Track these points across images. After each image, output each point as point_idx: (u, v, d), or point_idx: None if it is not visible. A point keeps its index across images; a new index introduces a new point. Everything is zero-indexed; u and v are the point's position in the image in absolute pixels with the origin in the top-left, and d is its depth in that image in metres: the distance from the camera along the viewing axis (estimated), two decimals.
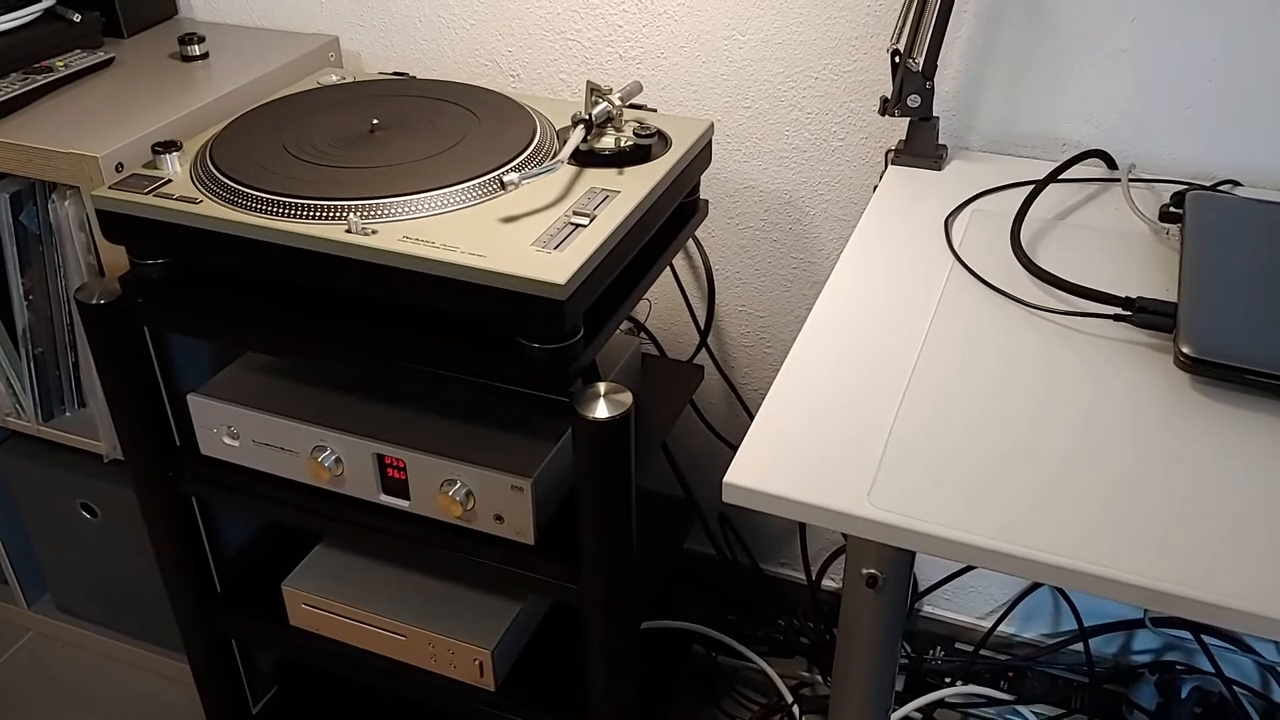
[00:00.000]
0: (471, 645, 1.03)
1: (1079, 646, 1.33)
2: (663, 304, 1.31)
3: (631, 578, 0.92)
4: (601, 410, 0.83)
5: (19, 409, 1.22)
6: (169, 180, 0.91)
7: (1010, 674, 1.34)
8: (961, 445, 0.70)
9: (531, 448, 0.95)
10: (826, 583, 1.42)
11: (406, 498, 0.96)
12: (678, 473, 1.32)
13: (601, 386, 0.85)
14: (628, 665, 0.97)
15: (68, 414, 1.23)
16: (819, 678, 1.36)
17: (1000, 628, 1.35)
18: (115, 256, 1.06)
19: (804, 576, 1.44)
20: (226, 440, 1.02)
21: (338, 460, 0.97)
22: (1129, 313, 0.79)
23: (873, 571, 0.90)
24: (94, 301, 0.95)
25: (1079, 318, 0.81)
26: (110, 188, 0.90)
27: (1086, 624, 1.29)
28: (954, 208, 0.96)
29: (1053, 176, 0.97)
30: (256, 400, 1.00)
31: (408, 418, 0.98)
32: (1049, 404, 0.73)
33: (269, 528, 1.25)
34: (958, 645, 1.39)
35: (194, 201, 0.88)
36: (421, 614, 1.06)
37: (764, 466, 0.68)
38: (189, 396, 1.01)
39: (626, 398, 0.85)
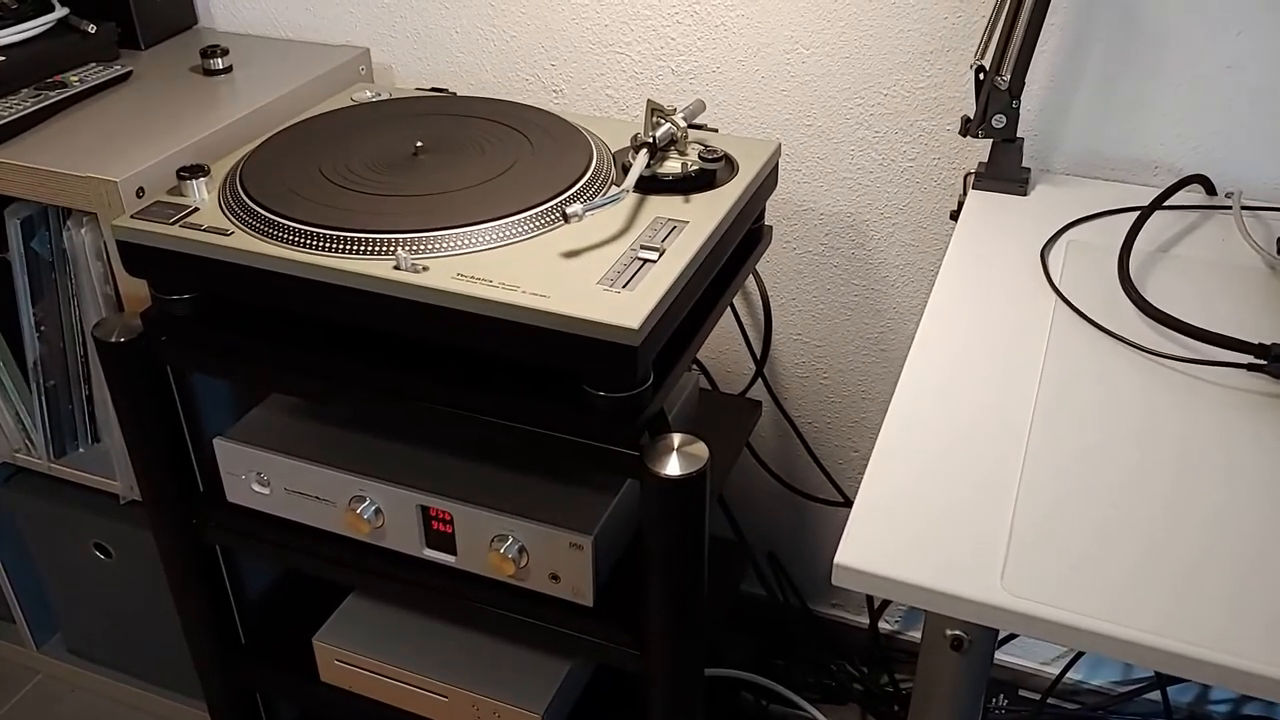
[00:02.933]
0: (520, 709, 0.95)
1: (1153, 695, 1.25)
2: (714, 332, 1.23)
3: (699, 644, 0.84)
4: (675, 466, 0.75)
5: (29, 445, 1.14)
6: (196, 209, 0.83)
7: None
8: (1095, 519, 0.62)
9: (589, 501, 0.87)
10: (882, 625, 1.34)
11: (453, 553, 0.89)
12: (728, 513, 1.24)
13: (675, 439, 0.77)
14: None
15: (80, 450, 1.15)
16: None
17: (1068, 674, 1.28)
18: (135, 288, 0.99)
19: (857, 618, 1.36)
20: (256, 488, 0.94)
21: (378, 511, 0.89)
22: (1264, 362, 0.72)
23: (958, 633, 0.83)
24: (114, 339, 0.87)
25: (1207, 366, 0.73)
26: (132, 217, 0.83)
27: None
28: (1047, 238, 0.89)
29: (1157, 204, 0.90)
30: (289, 445, 0.92)
31: (454, 466, 0.91)
32: (1186, 469, 0.65)
33: (298, 573, 1.17)
34: (1022, 693, 1.31)
35: (225, 233, 0.80)
36: (465, 673, 0.98)
37: (877, 546, 0.61)
38: (215, 440, 0.94)
39: (701, 451, 0.77)
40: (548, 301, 0.72)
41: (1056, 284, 0.82)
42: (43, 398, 1.10)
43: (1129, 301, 0.79)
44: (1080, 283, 0.83)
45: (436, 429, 0.95)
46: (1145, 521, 0.61)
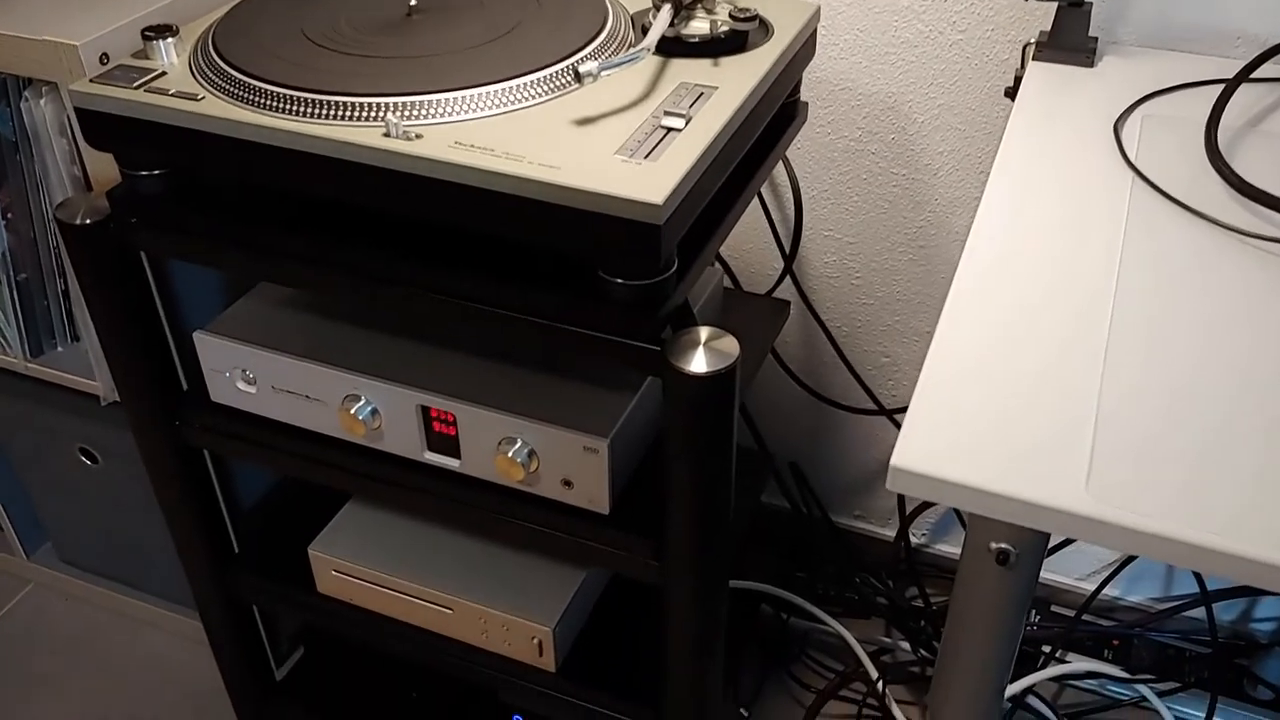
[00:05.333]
0: (530, 623, 0.89)
1: (1194, 613, 1.19)
2: (737, 229, 1.14)
3: (724, 557, 0.77)
4: (701, 363, 0.67)
5: (4, 343, 1.07)
6: (163, 73, 0.74)
7: (1115, 642, 1.21)
8: (1190, 416, 0.54)
9: (606, 401, 0.79)
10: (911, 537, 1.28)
11: (457, 456, 0.81)
12: (749, 420, 1.17)
13: (701, 333, 0.69)
14: (713, 650, 0.83)
15: (59, 349, 1.08)
16: (901, 643, 1.22)
17: (1104, 589, 1.21)
18: (105, 167, 0.90)
19: (883, 531, 1.30)
20: (241, 386, 0.86)
21: (374, 412, 0.82)
22: None
23: (1005, 547, 0.76)
24: (78, 221, 0.79)
25: None
26: (91, 81, 0.73)
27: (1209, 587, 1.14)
28: (1120, 112, 0.79)
29: (1245, 74, 0.80)
30: (277, 340, 0.85)
31: (458, 363, 0.83)
32: None
33: (295, 480, 1.11)
34: (1055, 609, 1.25)
35: (194, 98, 0.71)
36: (471, 585, 0.92)
37: (939, 447, 0.53)
38: (196, 335, 0.86)
39: (730, 346, 0.69)
40: (558, 174, 0.63)
41: (1133, 160, 0.73)
42: (14, 292, 1.03)
43: (1218, 179, 0.70)
44: (1160, 159, 0.73)
45: (437, 322, 0.87)
46: (1251, 419, 0.53)
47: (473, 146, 0.66)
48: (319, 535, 0.96)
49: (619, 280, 0.67)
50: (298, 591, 0.98)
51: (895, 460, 0.53)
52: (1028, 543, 0.76)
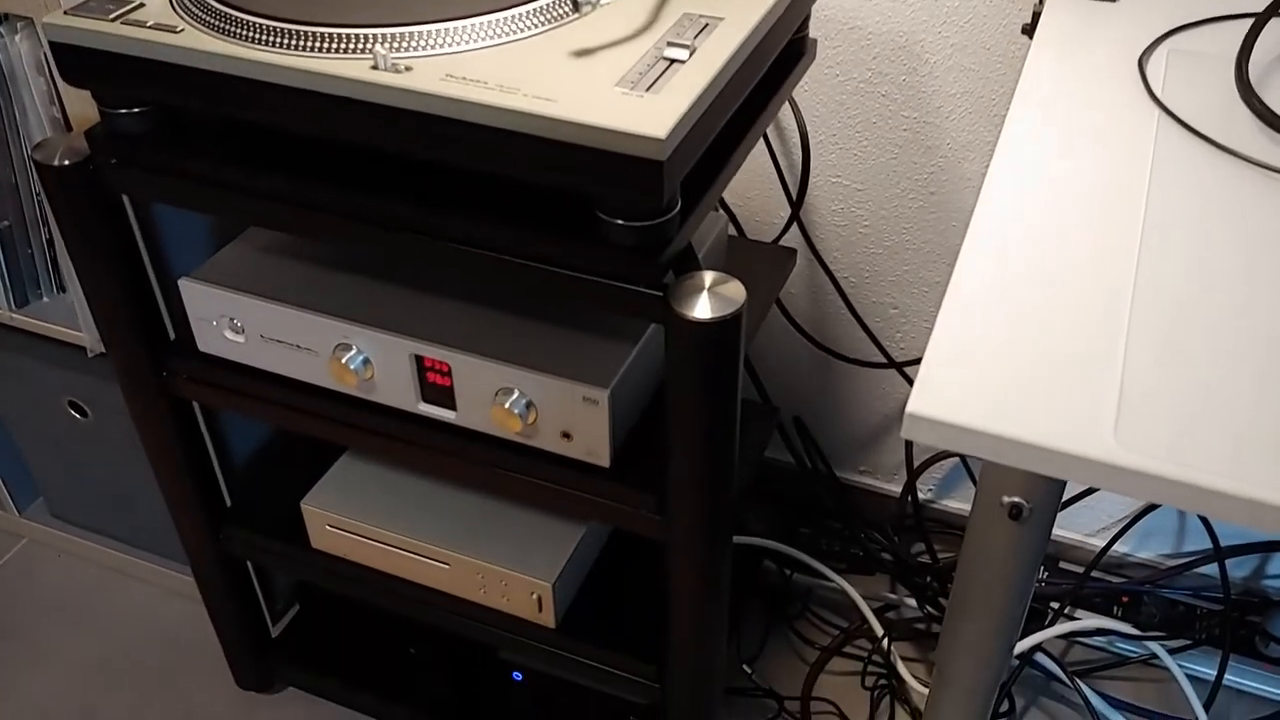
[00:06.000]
0: (529, 578, 0.87)
1: (1205, 570, 1.17)
2: (741, 171, 1.10)
3: (728, 512, 0.75)
4: (705, 308, 0.65)
5: None
6: (141, 4, 0.71)
7: (1124, 599, 1.19)
8: (1223, 359, 0.51)
9: (606, 351, 0.77)
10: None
11: (452, 408, 0.79)
12: (754, 374, 1.14)
13: (705, 277, 0.66)
14: (716, 606, 0.81)
15: (45, 300, 1.05)
16: (907, 599, 1.21)
17: (1113, 546, 1.19)
18: (83, 107, 0.86)
19: (888, 486, 1.28)
20: (229, 335, 0.84)
21: (366, 362, 0.79)
22: None
23: (1017, 500, 0.74)
24: (55, 163, 0.76)
25: None
26: (66, 13, 0.70)
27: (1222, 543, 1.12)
28: (1144, 47, 0.75)
29: (1277, 7, 0.76)
30: (265, 287, 0.82)
31: (452, 311, 0.80)
32: None
33: (289, 434, 1.08)
34: (1063, 565, 1.23)
35: (173, 30, 0.68)
36: (468, 540, 0.90)
37: (957, 393, 0.50)
38: (181, 281, 0.83)
39: (736, 291, 0.66)
40: (555, 107, 0.60)
41: (1159, 96, 0.69)
42: None
43: (1247, 114, 0.67)
44: (1187, 95, 0.70)
45: (428, 265, 0.84)
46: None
47: (465, 79, 0.62)
48: (312, 489, 0.94)
49: (619, 221, 0.64)
50: (291, 547, 0.96)
51: (911, 407, 0.50)
52: (1041, 497, 0.73)
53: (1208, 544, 1.16)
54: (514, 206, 0.68)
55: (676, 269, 0.67)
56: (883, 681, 1.15)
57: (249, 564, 1.07)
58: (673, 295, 0.65)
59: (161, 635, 1.20)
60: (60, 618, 1.22)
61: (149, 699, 1.14)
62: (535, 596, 0.88)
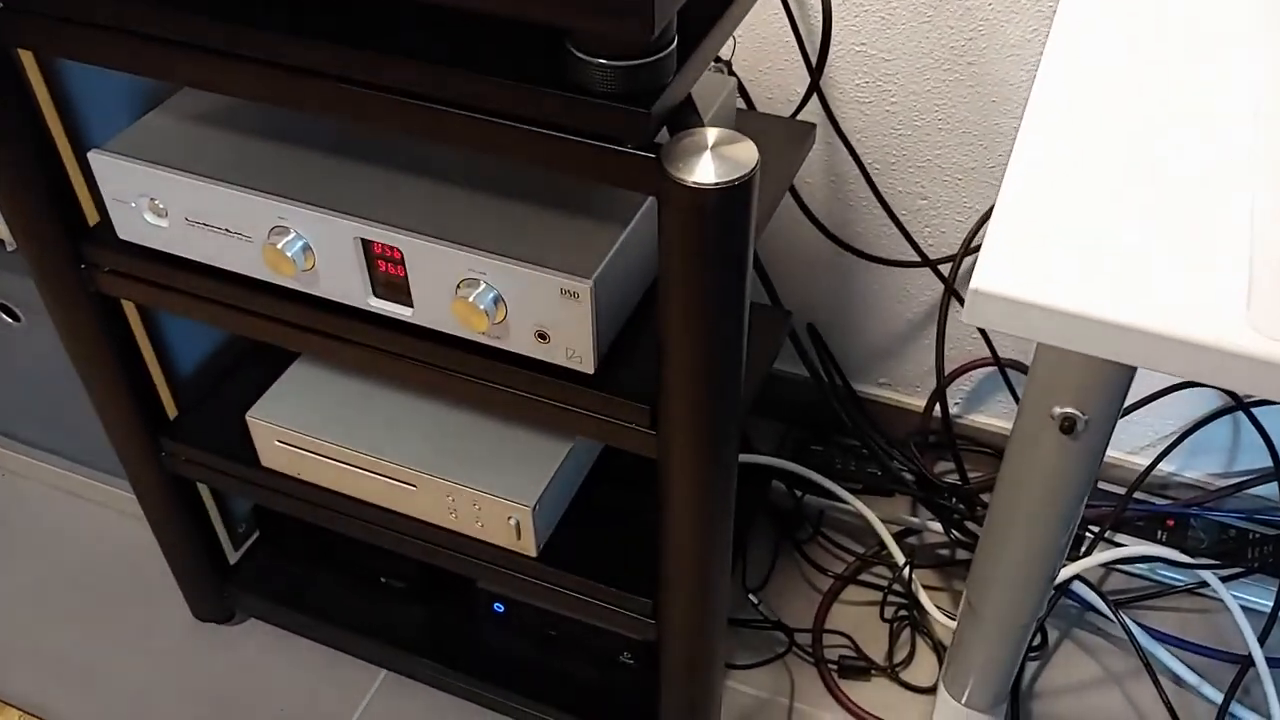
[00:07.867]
0: (505, 500, 0.76)
1: (1260, 490, 1.06)
2: (751, 38, 0.96)
3: (732, 425, 0.63)
4: (708, 171, 0.52)
5: None
6: None
7: (1170, 523, 1.08)
8: None
9: (589, 234, 0.64)
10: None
11: (408, 304, 0.67)
12: (763, 273, 1.02)
13: (708, 134, 0.53)
14: (718, 532, 0.70)
15: None
16: (931, 523, 1.10)
17: (1159, 465, 1.08)
18: None
19: (910, 400, 1.16)
20: (149, 218, 0.71)
21: (306, 248, 0.67)
22: None
23: (1070, 412, 0.63)
24: None
25: None
26: None
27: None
28: None
29: None
30: (189, 160, 0.69)
31: (406, 188, 0.68)
32: None
33: (242, 339, 0.97)
34: (1102, 485, 1.12)
35: None
36: (437, 458, 0.78)
37: (1036, 268, 0.38)
38: (90, 154, 0.70)
39: (746, 152, 0.53)
40: None
41: None
42: None
43: None
44: None
45: (379, 134, 0.71)
46: None
47: None
48: (259, 400, 0.83)
49: (600, 60, 0.51)
50: (238, 465, 0.85)
51: (976, 283, 0.38)
52: (1103, 406, 0.62)
53: (1264, 461, 1.04)
54: (471, 47, 0.55)
55: (672, 125, 0.54)
56: (903, 613, 1.05)
57: (203, 488, 0.96)
58: (668, 157, 0.52)
59: (113, 562, 1.10)
60: (5, 543, 1.13)
61: (97, 632, 1.04)
62: (513, 521, 0.77)
